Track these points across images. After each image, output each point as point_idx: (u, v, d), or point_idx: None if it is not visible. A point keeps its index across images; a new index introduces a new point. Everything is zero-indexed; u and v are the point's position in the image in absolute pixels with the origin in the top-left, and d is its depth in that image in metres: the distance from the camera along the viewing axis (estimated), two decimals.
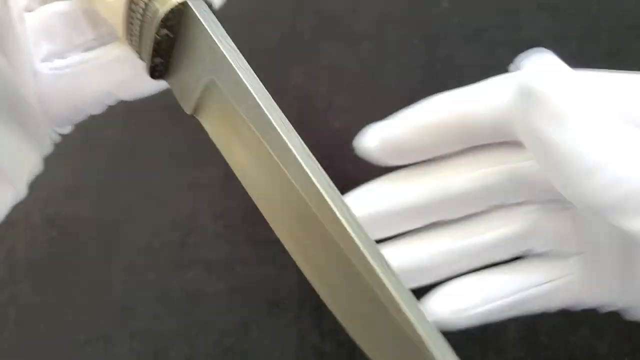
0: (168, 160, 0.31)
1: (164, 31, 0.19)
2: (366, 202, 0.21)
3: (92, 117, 0.32)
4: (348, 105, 0.28)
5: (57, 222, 0.30)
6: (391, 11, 0.29)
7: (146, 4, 0.19)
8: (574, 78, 0.18)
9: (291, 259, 0.20)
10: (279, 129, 0.17)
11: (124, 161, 0.31)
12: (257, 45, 0.32)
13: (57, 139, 0.26)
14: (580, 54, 0.32)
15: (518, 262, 0.21)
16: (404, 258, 0.21)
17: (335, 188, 0.16)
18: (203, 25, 0.18)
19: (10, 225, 0.30)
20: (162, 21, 0.19)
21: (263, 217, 0.21)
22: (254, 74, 0.18)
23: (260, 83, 0.18)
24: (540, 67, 0.18)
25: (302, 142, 0.17)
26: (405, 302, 0.15)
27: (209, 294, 0.29)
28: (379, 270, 0.15)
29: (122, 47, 0.22)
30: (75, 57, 0.24)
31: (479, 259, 0.21)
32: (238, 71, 0.18)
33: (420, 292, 0.20)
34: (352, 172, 0.22)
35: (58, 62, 0.24)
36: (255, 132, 0.17)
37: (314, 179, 0.16)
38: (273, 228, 0.17)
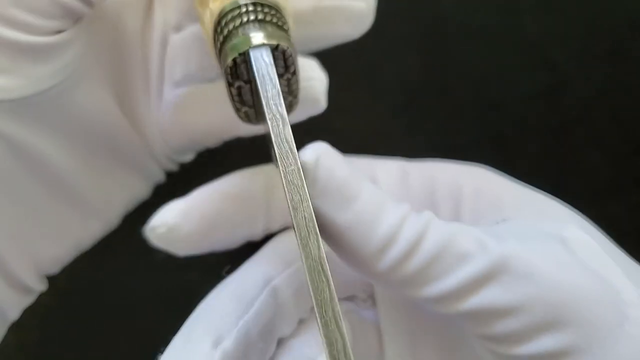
0: None
1: (238, 83, 0.17)
2: None
3: None
4: (348, 105, 0.28)
5: None
6: (391, 11, 0.29)
7: (220, 53, 0.17)
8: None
9: None
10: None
11: None
12: None
13: (175, 167, 0.26)
14: (580, 54, 0.32)
15: None
16: None
17: None
18: (256, 75, 0.16)
19: None
20: (231, 74, 0.17)
21: None
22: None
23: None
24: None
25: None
26: None
27: None
28: None
29: None
30: (192, 87, 0.23)
31: None
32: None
33: None
34: None
35: (180, 90, 0.23)
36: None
37: None
38: None
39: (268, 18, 0.17)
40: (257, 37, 0.16)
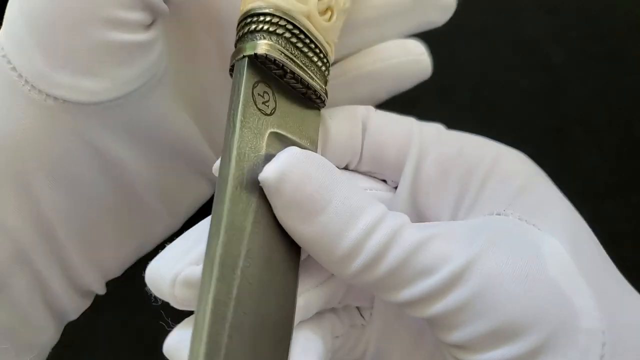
0: None
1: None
2: None
3: None
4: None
5: None
6: None
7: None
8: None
9: None
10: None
11: None
12: None
13: None
14: (580, 54, 0.32)
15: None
16: None
17: None
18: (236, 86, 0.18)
19: None
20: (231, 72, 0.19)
21: None
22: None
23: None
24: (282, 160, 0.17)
25: None
26: None
27: None
28: None
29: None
30: None
31: None
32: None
33: None
34: None
35: None
36: None
37: None
38: None
39: (267, 27, 0.19)
40: (248, 48, 0.19)
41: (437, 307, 0.17)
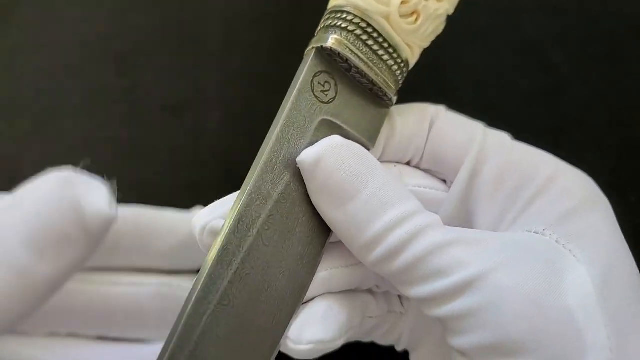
0: (168, 160, 0.31)
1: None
2: None
3: (93, 117, 0.32)
4: None
5: None
6: None
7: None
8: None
9: None
10: None
11: (124, 161, 0.31)
12: (257, 45, 0.32)
13: None
14: (581, 54, 0.32)
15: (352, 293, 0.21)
16: None
17: None
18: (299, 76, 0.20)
19: None
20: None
21: None
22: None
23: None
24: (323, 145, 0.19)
25: None
26: None
27: None
28: None
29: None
30: None
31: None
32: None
33: None
34: None
35: None
36: None
37: None
38: None
39: (340, 24, 0.20)
40: (318, 40, 0.20)
41: (444, 310, 0.17)
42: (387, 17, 0.20)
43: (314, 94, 0.20)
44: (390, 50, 0.20)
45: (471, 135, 0.21)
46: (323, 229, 0.19)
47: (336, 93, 0.20)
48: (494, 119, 0.30)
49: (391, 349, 0.24)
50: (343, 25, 0.20)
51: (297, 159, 0.19)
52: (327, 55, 0.20)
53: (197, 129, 0.32)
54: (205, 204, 0.20)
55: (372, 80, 0.20)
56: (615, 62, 0.32)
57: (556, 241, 0.18)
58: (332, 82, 0.20)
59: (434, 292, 0.17)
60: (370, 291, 0.22)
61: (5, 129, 0.32)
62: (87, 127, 0.32)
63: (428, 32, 0.21)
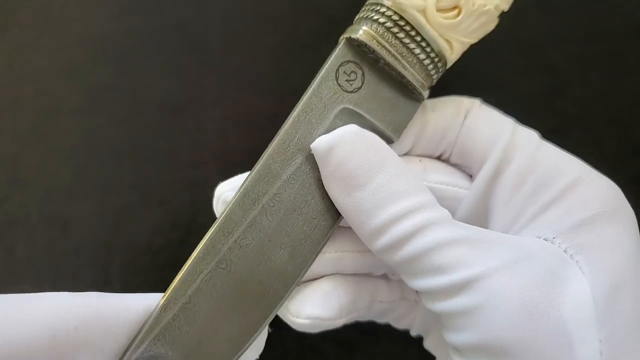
0: (168, 160, 0.31)
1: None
2: None
3: (92, 117, 0.32)
4: None
5: (56, 222, 0.30)
6: None
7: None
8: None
9: None
10: None
11: (124, 161, 0.31)
12: (258, 45, 0.32)
13: None
14: (581, 54, 0.32)
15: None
16: None
17: None
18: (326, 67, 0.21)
19: (10, 225, 0.30)
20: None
21: None
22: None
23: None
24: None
25: None
26: None
27: None
28: None
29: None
30: None
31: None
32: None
33: None
34: None
35: None
36: None
37: None
38: None
39: (373, 16, 0.20)
40: (349, 31, 0.21)
41: (440, 305, 0.18)
42: (423, 11, 0.20)
43: (338, 83, 0.20)
44: (423, 44, 0.20)
45: (499, 131, 0.21)
46: (331, 214, 0.20)
47: (362, 83, 0.20)
48: None
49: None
50: (375, 17, 0.20)
51: (311, 145, 0.19)
52: (357, 46, 0.20)
53: (197, 129, 0.32)
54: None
55: (400, 72, 0.20)
56: (615, 62, 0.32)
57: (564, 250, 0.18)
58: (360, 72, 0.20)
59: (432, 287, 0.18)
60: (385, 276, 0.22)
61: (5, 129, 0.32)
62: (87, 127, 0.32)
63: (472, 28, 0.21)
